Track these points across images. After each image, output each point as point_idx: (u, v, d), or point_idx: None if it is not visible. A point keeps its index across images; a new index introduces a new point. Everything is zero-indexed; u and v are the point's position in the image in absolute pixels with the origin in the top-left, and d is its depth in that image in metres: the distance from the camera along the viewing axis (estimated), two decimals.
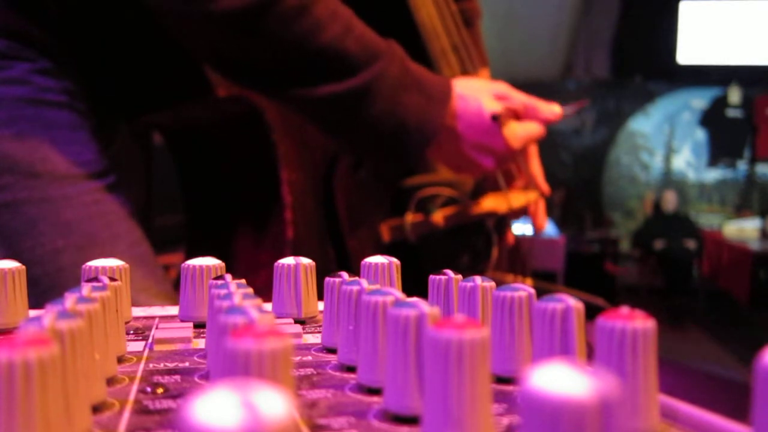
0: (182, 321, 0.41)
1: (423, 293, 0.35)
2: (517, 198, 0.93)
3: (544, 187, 0.91)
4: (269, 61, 0.70)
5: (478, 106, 0.77)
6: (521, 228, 1.19)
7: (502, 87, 0.82)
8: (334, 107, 0.72)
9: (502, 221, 1.01)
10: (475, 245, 1.00)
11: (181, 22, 0.69)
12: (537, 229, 0.99)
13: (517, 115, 0.82)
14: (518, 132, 0.80)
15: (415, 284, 0.42)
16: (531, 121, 0.82)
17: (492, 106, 0.77)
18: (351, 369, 0.31)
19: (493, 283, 0.34)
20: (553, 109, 0.83)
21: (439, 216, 0.92)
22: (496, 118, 0.76)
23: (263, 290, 0.41)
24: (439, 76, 0.80)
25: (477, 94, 0.78)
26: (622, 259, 5.50)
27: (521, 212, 0.95)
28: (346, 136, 0.78)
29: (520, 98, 0.82)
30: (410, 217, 0.92)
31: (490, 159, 0.81)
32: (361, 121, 0.72)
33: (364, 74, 0.70)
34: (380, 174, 0.94)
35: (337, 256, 0.90)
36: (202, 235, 0.98)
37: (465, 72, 0.91)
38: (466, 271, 0.99)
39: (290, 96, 0.73)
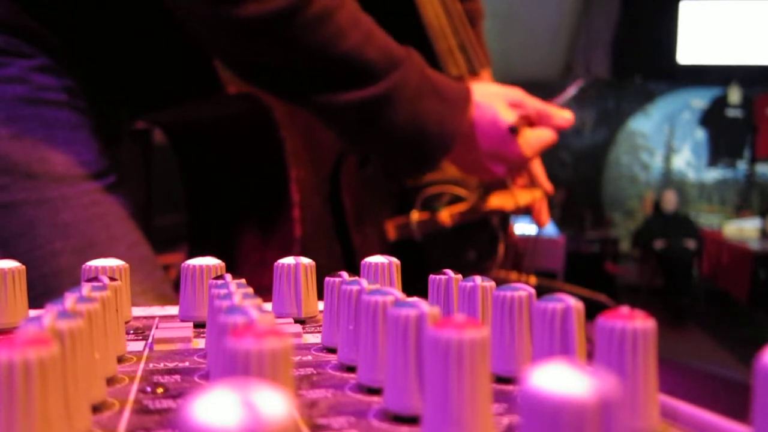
0: (182, 321, 0.41)
1: (423, 293, 0.35)
2: (523, 196, 0.93)
3: (548, 185, 0.91)
4: (291, 66, 0.70)
5: (494, 115, 0.77)
6: (523, 228, 1.19)
7: (517, 93, 0.81)
8: (354, 114, 0.72)
9: (505, 219, 1.01)
10: (480, 243, 1.00)
11: (204, 25, 0.69)
12: (539, 226, 0.99)
13: (530, 122, 0.82)
14: (531, 140, 0.79)
15: (421, 282, 0.42)
16: (544, 127, 0.82)
17: (507, 116, 0.77)
18: (351, 369, 0.31)
19: (493, 283, 0.34)
20: (564, 116, 0.83)
21: (445, 214, 0.92)
22: (513, 130, 0.76)
23: (270, 289, 0.41)
24: (457, 82, 0.80)
25: (492, 102, 0.77)
26: (622, 259, 5.49)
27: (526, 210, 0.96)
28: (365, 142, 0.77)
29: (534, 105, 0.82)
30: (416, 216, 0.92)
31: (502, 166, 0.81)
32: (381, 127, 0.72)
33: (385, 81, 0.70)
34: (393, 175, 0.94)
35: (343, 254, 0.90)
36: (206, 233, 0.97)
37: (472, 70, 0.91)
38: (472, 269, 0.99)
39: (310, 102, 0.72)
